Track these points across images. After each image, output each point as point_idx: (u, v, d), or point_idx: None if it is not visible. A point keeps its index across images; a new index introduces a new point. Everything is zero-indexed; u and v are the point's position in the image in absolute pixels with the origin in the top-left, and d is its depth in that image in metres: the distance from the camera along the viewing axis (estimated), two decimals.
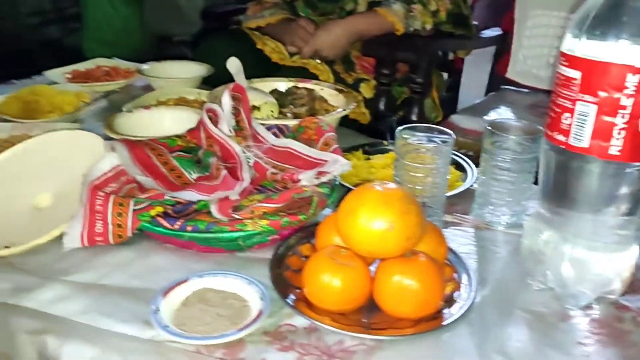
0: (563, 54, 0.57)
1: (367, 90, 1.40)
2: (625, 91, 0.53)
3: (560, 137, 0.58)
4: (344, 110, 1.03)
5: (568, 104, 0.57)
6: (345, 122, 1.11)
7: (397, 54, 1.29)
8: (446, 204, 0.79)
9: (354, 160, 0.94)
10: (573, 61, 0.56)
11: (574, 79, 0.56)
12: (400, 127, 0.75)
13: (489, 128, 0.77)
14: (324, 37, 1.35)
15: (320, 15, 1.46)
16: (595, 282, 0.63)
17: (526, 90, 1.55)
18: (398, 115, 1.40)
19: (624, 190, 0.58)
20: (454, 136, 0.74)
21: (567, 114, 0.57)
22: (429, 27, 1.38)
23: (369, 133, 1.21)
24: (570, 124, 0.57)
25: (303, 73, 1.33)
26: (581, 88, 0.55)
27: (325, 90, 1.16)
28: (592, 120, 0.55)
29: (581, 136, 0.56)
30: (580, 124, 0.56)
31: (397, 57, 1.30)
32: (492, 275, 0.68)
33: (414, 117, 1.37)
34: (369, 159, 0.96)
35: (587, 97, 0.55)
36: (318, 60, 1.39)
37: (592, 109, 0.55)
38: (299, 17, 1.48)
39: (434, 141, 0.76)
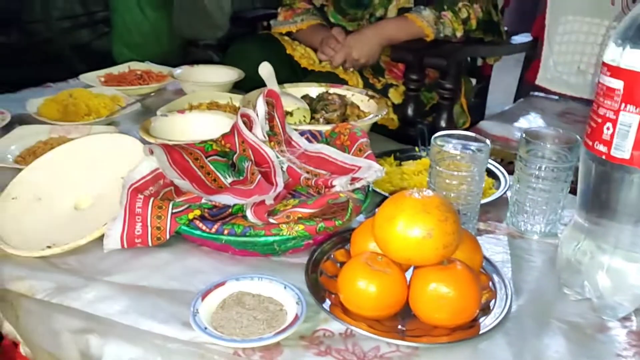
0: (605, 64, 0.57)
1: (395, 96, 1.40)
2: None
3: (601, 148, 0.58)
4: (377, 116, 1.03)
5: (610, 115, 0.56)
6: (374, 128, 1.11)
7: (426, 59, 1.29)
8: (480, 212, 0.79)
9: (386, 166, 0.94)
10: (616, 71, 0.56)
11: (617, 89, 0.55)
12: (435, 134, 0.76)
13: (525, 136, 0.77)
14: (355, 41, 1.36)
15: (351, 21, 1.47)
16: (634, 293, 0.62)
17: (556, 97, 1.54)
18: (426, 121, 1.40)
19: None
20: (490, 144, 0.74)
21: (609, 125, 0.57)
22: (459, 34, 1.37)
23: (398, 139, 1.21)
24: (612, 135, 0.56)
25: (332, 78, 1.34)
26: (624, 98, 0.55)
27: (356, 96, 1.16)
28: (635, 131, 0.55)
29: (623, 147, 0.56)
30: (623, 134, 0.56)
31: (426, 62, 1.30)
32: (528, 284, 0.68)
33: (442, 123, 1.37)
34: (400, 165, 0.97)
35: (630, 108, 0.55)
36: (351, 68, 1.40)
37: (635, 120, 0.55)
38: (329, 23, 1.49)
39: (469, 148, 0.76)
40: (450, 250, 0.59)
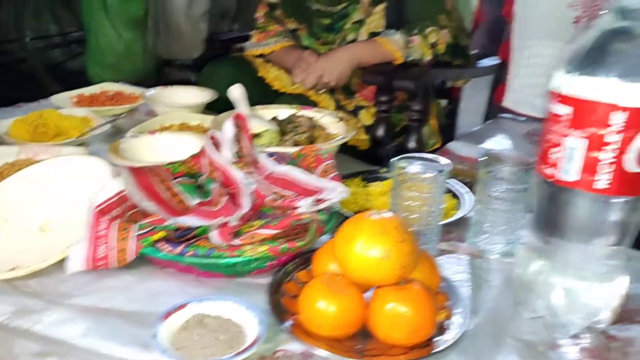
0: (552, 91, 0.60)
1: (366, 117, 1.43)
2: (611, 129, 0.55)
3: (550, 171, 0.60)
4: (343, 138, 1.05)
5: (557, 139, 0.59)
6: (345, 149, 1.13)
7: (395, 82, 1.32)
8: (442, 232, 0.81)
9: (353, 187, 0.96)
10: (562, 98, 0.58)
11: (563, 115, 0.58)
12: (396, 157, 0.78)
13: (484, 158, 0.79)
14: (326, 63, 1.39)
15: (323, 44, 1.50)
16: (585, 311, 0.64)
17: (523, 118, 1.58)
18: (397, 142, 1.43)
19: (612, 221, 0.60)
20: (451, 166, 0.77)
21: (556, 149, 0.59)
22: (428, 58, 1.41)
23: (369, 159, 1.23)
24: (559, 158, 0.59)
25: (304, 100, 1.37)
26: (569, 124, 0.58)
27: (326, 118, 1.18)
28: (580, 156, 0.57)
29: (569, 170, 0.58)
30: (569, 158, 0.58)
31: (395, 85, 1.32)
32: (486, 303, 0.70)
33: (412, 144, 1.39)
34: (367, 186, 0.99)
35: (575, 133, 0.57)
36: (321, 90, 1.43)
37: (580, 145, 0.57)
38: (302, 46, 1.52)
39: (431, 170, 0.78)
40: (408, 270, 0.61)
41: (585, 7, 1.50)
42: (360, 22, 1.44)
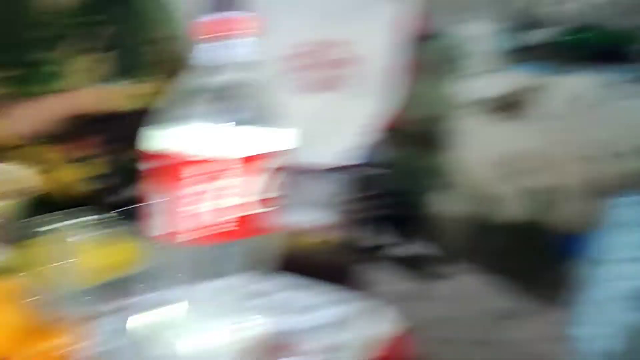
0: (140, 149, 0.62)
1: (87, 168, 1.37)
2: (188, 181, 0.58)
3: (148, 226, 0.62)
4: (29, 192, 1.00)
5: (148, 195, 0.61)
6: (71, 200, 1.06)
7: (111, 132, 1.30)
8: (106, 292, 0.77)
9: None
10: (147, 155, 0.60)
11: (148, 170, 0.60)
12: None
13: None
14: (37, 112, 1.32)
15: (36, 93, 1.41)
16: (212, 357, 0.65)
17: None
18: (121, 191, 1.39)
19: (213, 266, 0.63)
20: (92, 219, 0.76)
21: (149, 205, 0.61)
22: (137, 107, 1.40)
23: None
24: (151, 213, 0.61)
25: (7, 153, 1.27)
26: (154, 179, 0.60)
27: (24, 171, 1.11)
28: (167, 209, 0.60)
29: (160, 225, 0.61)
30: (157, 213, 0.60)
31: (111, 135, 1.31)
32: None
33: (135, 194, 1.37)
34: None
35: (160, 188, 0.60)
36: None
37: (165, 199, 0.60)
38: (11, 94, 1.41)
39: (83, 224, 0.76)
40: (20, 343, 0.58)
41: None
42: (75, 72, 1.40)
